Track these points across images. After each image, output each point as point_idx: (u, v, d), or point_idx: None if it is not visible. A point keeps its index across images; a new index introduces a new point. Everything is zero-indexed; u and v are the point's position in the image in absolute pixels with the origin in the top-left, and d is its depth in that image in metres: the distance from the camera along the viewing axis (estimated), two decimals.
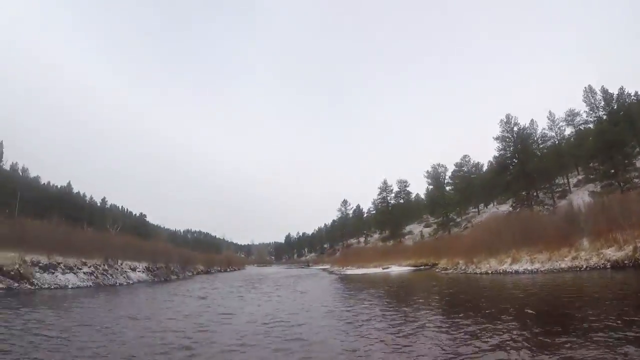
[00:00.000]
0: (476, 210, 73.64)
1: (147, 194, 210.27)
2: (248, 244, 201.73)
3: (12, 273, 20.57)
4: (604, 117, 44.40)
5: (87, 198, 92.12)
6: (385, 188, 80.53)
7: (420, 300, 14.68)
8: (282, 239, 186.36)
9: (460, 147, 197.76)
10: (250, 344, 7.84)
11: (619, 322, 7.65)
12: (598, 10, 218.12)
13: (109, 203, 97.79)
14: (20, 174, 75.36)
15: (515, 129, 51.10)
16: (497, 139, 52.33)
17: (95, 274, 26.56)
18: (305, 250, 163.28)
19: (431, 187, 75.37)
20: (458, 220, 66.71)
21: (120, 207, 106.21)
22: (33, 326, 9.64)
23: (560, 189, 52.10)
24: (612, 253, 19.69)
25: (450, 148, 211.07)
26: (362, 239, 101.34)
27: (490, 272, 25.83)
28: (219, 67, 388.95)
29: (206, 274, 52.69)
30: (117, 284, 27.19)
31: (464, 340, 7.42)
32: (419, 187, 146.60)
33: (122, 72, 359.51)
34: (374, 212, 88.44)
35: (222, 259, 79.61)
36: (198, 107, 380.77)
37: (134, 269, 32.68)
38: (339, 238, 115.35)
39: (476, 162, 77.21)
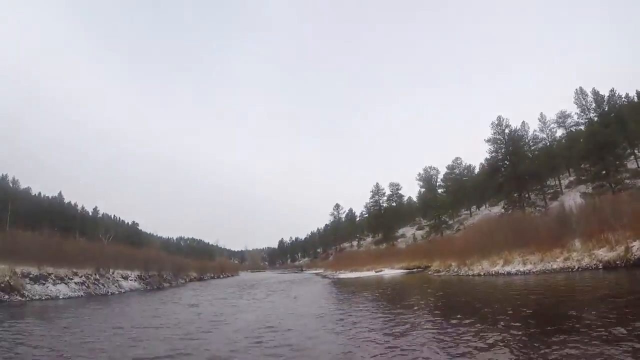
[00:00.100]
0: (468, 212, 73.84)
1: (139, 203, 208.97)
2: (241, 250, 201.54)
3: (2, 285, 20.39)
4: (595, 118, 44.70)
5: (79, 208, 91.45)
6: (377, 191, 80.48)
7: (413, 303, 14.59)
8: (275, 245, 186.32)
9: (452, 149, 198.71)
10: (238, 351, 7.70)
11: (613, 321, 7.64)
12: (588, 12, 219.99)
13: (100, 212, 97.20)
14: (11, 185, 74.81)
15: (507, 131, 51.13)
16: (488, 141, 52.38)
17: (86, 284, 26.32)
18: (299, 255, 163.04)
19: (423, 189, 75.61)
20: (450, 222, 66.72)
21: (112, 216, 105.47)
22: (11, 338, 9.52)
23: (552, 191, 52.34)
24: (603, 253, 19.75)
25: (442, 150, 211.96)
26: (355, 243, 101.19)
27: (482, 273, 25.87)
28: (213, 74, 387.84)
29: (199, 281, 52.39)
30: (109, 294, 26.95)
31: (460, 342, 7.34)
32: (411, 190, 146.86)
33: (115, 78, 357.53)
34: (367, 215, 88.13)
35: (216, 266, 79.34)
36: (188, 116, 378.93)
37: (125, 278, 32.41)
38: (332, 242, 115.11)
39: (468, 164, 77.75)
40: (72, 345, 8.66)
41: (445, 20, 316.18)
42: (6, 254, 22.79)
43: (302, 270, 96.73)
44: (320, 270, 71.43)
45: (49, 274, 24.07)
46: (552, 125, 57.84)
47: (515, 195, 49.01)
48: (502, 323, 8.63)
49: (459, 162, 74.71)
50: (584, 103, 46.02)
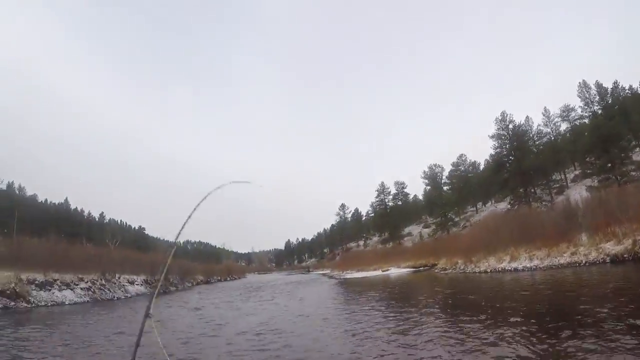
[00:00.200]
0: (474, 209, 73.45)
1: (146, 207, 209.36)
2: (248, 252, 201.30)
3: (8, 292, 20.35)
4: (599, 111, 44.24)
5: (85, 214, 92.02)
6: (382, 190, 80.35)
7: (420, 302, 14.48)
8: (282, 246, 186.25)
9: (456, 146, 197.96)
10: (239, 355, 7.62)
11: (627, 314, 7.55)
12: (591, 4, 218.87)
13: (107, 218, 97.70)
14: (17, 192, 75.30)
15: (511, 126, 51.04)
16: (492, 137, 52.29)
17: (92, 289, 26.31)
18: (306, 255, 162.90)
19: (429, 187, 75.39)
20: (456, 219, 66.59)
21: (119, 222, 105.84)
22: (16, 344, 9.49)
23: (557, 185, 52.00)
24: (611, 247, 19.53)
25: (447, 148, 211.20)
26: (361, 242, 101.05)
27: (489, 270, 25.70)
28: (218, 77, 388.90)
29: (206, 284, 52.34)
30: (115, 298, 26.93)
31: (470, 339, 7.23)
32: (417, 188, 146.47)
33: (120, 83, 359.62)
34: (373, 215, 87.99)
35: (222, 269, 79.15)
36: (194, 117, 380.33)
37: (132, 283, 32.40)
38: (339, 242, 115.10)
39: (473, 161, 77.70)
40: (68, 351, 8.62)
41: (450, 15, 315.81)
42: (12, 261, 22.79)
43: (309, 271, 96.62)
44: (327, 271, 71.25)
45: (55, 280, 24.07)
46: (556, 120, 57.32)
47: (520, 190, 48.79)
48: (512, 319, 8.54)
49: (463, 158, 74.54)
50: (587, 96, 45.55)
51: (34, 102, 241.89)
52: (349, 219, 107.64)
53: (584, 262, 19.99)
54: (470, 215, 69.37)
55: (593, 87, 45.10)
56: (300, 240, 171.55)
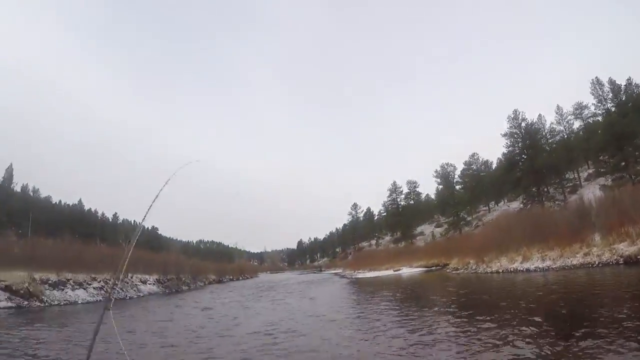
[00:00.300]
0: (487, 208, 72.80)
1: (159, 208, 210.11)
2: (261, 252, 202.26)
3: (22, 291, 20.71)
4: (613, 108, 43.57)
5: (99, 214, 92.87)
6: (394, 189, 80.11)
7: (433, 302, 14.43)
8: (294, 245, 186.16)
9: (468, 145, 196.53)
10: (248, 357, 7.62)
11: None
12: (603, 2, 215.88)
13: (120, 218, 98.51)
14: (32, 194, 76.24)
15: (523, 124, 50.44)
16: (505, 135, 51.78)
17: (105, 289, 26.61)
18: (318, 255, 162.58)
19: (441, 186, 74.62)
20: (469, 219, 66.03)
21: (132, 222, 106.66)
22: (27, 342, 9.65)
23: (570, 184, 51.20)
24: (624, 248, 19.25)
25: (459, 146, 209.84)
26: (373, 242, 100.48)
27: (501, 270, 25.52)
28: (225, 79, 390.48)
29: (218, 283, 52.63)
30: (127, 298, 27.25)
31: (483, 339, 7.17)
32: (429, 187, 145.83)
33: (128, 85, 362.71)
34: (385, 214, 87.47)
35: (235, 268, 79.50)
36: (204, 117, 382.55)
37: (144, 282, 32.73)
38: (351, 242, 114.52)
39: (485, 159, 76.98)
40: (73, 351, 8.66)
41: (461, 12, 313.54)
42: (26, 261, 23.27)
43: (321, 271, 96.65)
44: (339, 270, 71.30)
45: (68, 280, 24.44)
46: (569, 117, 56.39)
47: (533, 189, 48.24)
48: (527, 319, 8.49)
49: (476, 157, 73.90)
50: (600, 93, 44.87)
51: (53, 104, 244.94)
52: (361, 219, 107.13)
53: (597, 263, 19.73)
54: (483, 215, 68.80)
55: (606, 84, 44.33)
56: (312, 239, 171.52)
